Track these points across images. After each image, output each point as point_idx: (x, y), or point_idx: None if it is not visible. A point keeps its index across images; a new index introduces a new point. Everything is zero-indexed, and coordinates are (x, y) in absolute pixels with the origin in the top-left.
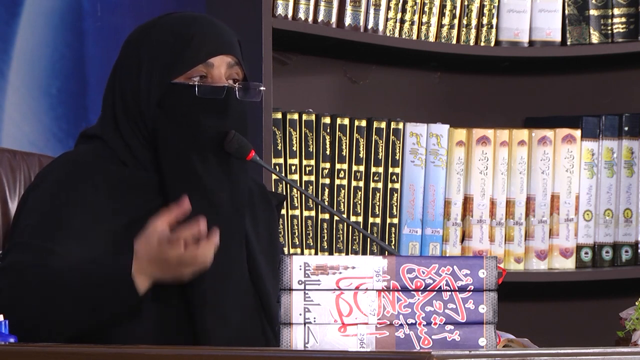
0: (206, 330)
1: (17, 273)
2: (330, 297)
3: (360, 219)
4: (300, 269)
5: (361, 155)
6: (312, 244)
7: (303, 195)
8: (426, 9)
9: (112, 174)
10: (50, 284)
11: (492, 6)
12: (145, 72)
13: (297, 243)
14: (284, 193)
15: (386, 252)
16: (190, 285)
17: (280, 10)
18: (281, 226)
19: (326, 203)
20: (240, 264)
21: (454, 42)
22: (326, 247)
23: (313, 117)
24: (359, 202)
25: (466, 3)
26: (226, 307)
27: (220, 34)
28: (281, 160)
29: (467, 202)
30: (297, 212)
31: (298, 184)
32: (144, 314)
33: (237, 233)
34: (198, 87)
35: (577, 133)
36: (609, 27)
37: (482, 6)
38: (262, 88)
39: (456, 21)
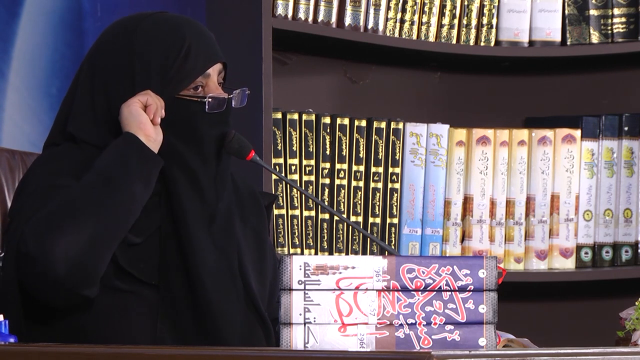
0: (219, 331)
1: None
2: (330, 297)
3: (360, 219)
4: (300, 269)
5: (361, 155)
6: (312, 244)
7: (303, 195)
8: (426, 9)
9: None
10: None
11: (492, 6)
12: (140, 83)
13: (297, 243)
14: (284, 193)
15: (386, 252)
16: (193, 292)
17: (280, 10)
18: (281, 226)
19: (326, 203)
20: (234, 270)
21: (454, 42)
22: (326, 247)
23: (313, 117)
24: (359, 202)
25: (466, 3)
26: (230, 311)
27: (211, 39)
28: (281, 160)
29: (467, 202)
30: (297, 212)
31: (298, 184)
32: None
33: (231, 240)
34: (208, 104)
35: (577, 133)
36: (609, 27)
37: (482, 6)
38: (248, 92)
39: (456, 21)
